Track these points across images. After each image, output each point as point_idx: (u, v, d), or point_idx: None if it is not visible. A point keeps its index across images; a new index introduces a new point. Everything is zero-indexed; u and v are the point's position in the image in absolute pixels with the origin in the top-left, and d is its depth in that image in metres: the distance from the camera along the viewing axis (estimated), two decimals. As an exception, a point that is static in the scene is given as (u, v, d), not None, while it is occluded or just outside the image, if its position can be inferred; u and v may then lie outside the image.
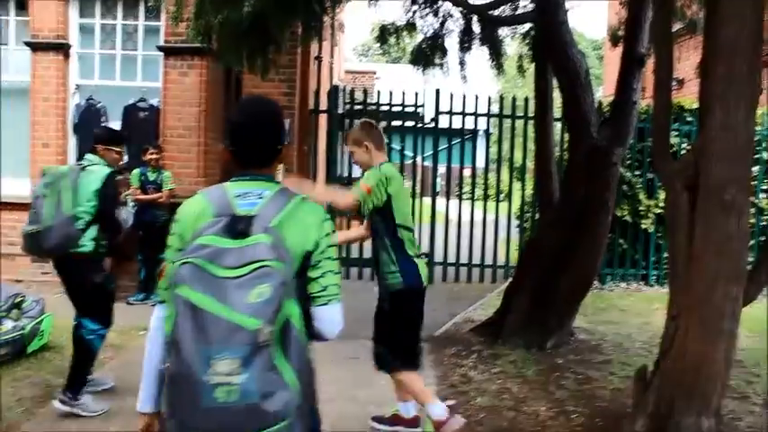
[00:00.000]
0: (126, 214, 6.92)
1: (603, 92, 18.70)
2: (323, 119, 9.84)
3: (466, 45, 7.82)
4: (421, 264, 4.01)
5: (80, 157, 7.52)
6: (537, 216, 8.51)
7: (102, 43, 8.22)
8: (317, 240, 1.89)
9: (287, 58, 7.91)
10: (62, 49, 8.04)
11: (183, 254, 1.74)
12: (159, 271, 1.96)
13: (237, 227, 1.75)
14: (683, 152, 8.36)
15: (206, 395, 1.62)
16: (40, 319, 5.48)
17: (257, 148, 1.97)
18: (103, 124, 8.01)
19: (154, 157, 7.46)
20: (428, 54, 7.95)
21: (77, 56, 8.23)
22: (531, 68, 7.22)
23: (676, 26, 6.77)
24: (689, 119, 8.81)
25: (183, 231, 1.89)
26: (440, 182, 14.54)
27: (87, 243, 4.31)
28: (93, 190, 4.30)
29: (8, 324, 5.25)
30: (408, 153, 10.40)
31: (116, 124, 8.02)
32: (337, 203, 3.89)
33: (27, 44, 8.07)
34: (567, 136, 7.62)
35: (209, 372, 1.62)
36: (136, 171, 7.50)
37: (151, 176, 7.48)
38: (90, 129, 7.96)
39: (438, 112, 9.41)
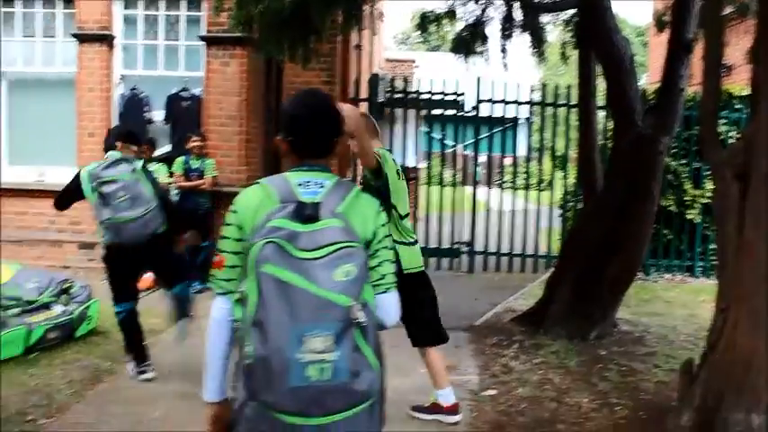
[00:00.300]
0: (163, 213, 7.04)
1: (648, 79, 18.32)
2: (363, 108, 9.82)
3: (507, 32, 7.71)
4: (411, 248, 4.12)
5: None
6: (579, 205, 8.39)
7: (145, 34, 8.33)
8: (374, 230, 1.90)
9: (327, 47, 7.91)
10: (107, 40, 8.17)
11: (259, 234, 1.73)
12: (214, 262, 1.94)
13: (305, 212, 1.75)
14: (731, 140, 8.15)
15: (296, 373, 1.62)
16: (87, 304, 5.60)
17: (317, 139, 1.97)
18: (147, 116, 8.15)
19: (197, 144, 7.54)
20: (469, 42, 7.87)
21: (121, 47, 8.36)
22: (573, 55, 7.10)
23: (726, 10, 6.58)
24: (738, 106, 8.57)
25: (241, 222, 1.87)
26: (480, 171, 14.44)
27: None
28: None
29: (57, 309, 5.38)
30: (449, 142, 10.35)
31: (159, 114, 8.15)
32: (367, 154, 3.81)
33: (73, 36, 8.22)
34: (610, 124, 7.48)
35: (302, 349, 1.62)
36: (180, 159, 7.60)
37: (194, 164, 7.58)
38: (134, 118, 8.12)
39: (479, 101, 9.33)
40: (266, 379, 1.65)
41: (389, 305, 1.92)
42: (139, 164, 4.79)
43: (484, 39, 7.85)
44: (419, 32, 8.81)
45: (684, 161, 8.93)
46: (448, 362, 5.17)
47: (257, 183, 1.94)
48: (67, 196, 4.79)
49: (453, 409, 4.15)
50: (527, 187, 9.78)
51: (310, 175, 1.91)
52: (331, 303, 1.65)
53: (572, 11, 7.16)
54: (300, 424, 1.66)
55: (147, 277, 7.41)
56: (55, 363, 4.92)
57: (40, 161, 8.44)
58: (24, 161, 8.55)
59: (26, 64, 8.59)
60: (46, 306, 5.36)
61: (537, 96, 10.19)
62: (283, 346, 1.62)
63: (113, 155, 4.67)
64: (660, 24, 7.37)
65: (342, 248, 1.70)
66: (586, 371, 5.09)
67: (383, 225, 1.94)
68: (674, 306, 7.45)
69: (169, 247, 4.87)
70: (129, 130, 5.15)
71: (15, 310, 5.09)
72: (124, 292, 4.79)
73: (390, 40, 44.50)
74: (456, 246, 9.43)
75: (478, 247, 9.35)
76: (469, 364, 5.25)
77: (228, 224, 1.91)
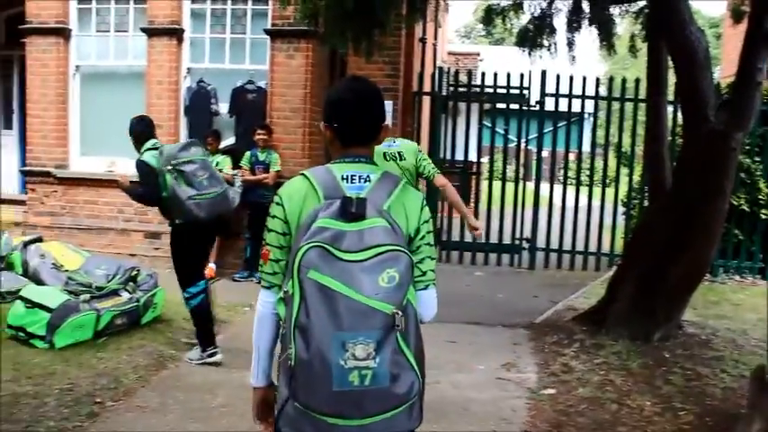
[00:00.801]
0: (233, 193, 7.17)
1: (721, 72, 17.65)
2: (426, 101, 9.79)
3: (575, 25, 7.55)
4: None
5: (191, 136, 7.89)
6: (645, 203, 8.16)
7: (212, 28, 8.48)
8: (418, 226, 1.89)
9: (391, 40, 7.90)
10: (175, 34, 8.35)
11: (305, 237, 1.73)
12: (261, 254, 1.95)
13: (351, 209, 1.74)
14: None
15: (338, 379, 1.63)
16: (153, 292, 5.76)
17: (364, 125, 1.95)
18: (213, 108, 8.30)
19: (262, 137, 7.64)
20: (534, 35, 7.74)
21: (189, 40, 8.53)
22: (643, 48, 6.90)
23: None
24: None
25: (287, 215, 1.87)
26: (543, 166, 14.20)
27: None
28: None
29: (125, 296, 5.55)
30: (511, 137, 10.21)
31: (224, 106, 8.28)
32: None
33: (143, 30, 8.44)
34: (679, 119, 7.24)
35: (344, 356, 1.63)
36: (247, 153, 7.72)
37: (261, 156, 7.68)
38: (200, 111, 8.29)
39: (544, 94, 9.17)
40: (308, 383, 1.67)
41: (429, 301, 1.93)
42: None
43: (550, 31, 7.70)
44: (483, 25, 8.69)
45: (758, 158, 8.58)
46: (506, 359, 5.14)
47: (302, 174, 1.93)
48: (155, 184, 4.82)
49: None
50: (590, 184, 9.56)
51: (355, 168, 1.89)
52: (374, 311, 1.65)
53: (643, 2, 6.96)
54: (341, 425, 1.68)
55: (210, 267, 7.59)
56: (122, 348, 5.07)
57: (110, 152, 8.70)
58: (95, 152, 8.83)
59: (99, 58, 8.86)
60: (114, 293, 5.54)
61: (603, 90, 9.96)
62: (326, 352, 1.63)
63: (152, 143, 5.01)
64: (737, 15, 7.08)
65: (387, 252, 1.69)
66: (649, 373, 4.95)
67: (427, 221, 1.93)
68: (743, 309, 7.18)
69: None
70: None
71: (85, 296, 5.27)
72: (199, 271, 5.00)
73: (454, 34, 44.16)
74: (517, 242, 9.31)
75: (540, 243, 9.21)
76: (528, 361, 5.18)
77: (273, 217, 1.91)
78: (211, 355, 4.89)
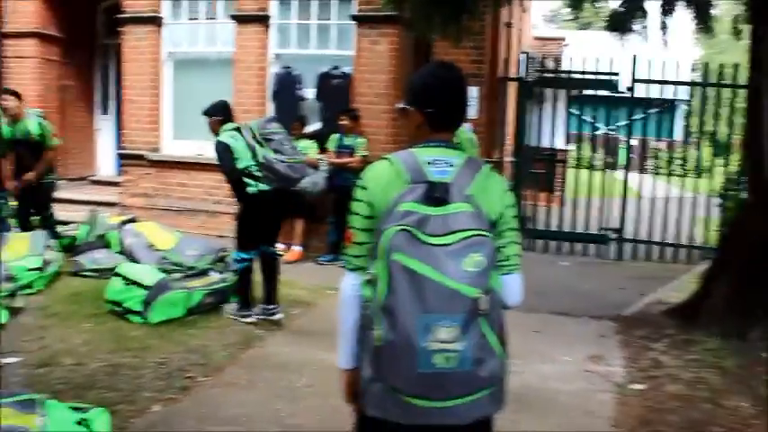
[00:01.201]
0: (319, 177, 7.28)
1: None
2: (511, 87, 9.62)
3: (669, 7, 7.24)
4: None
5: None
6: (743, 195, 7.78)
7: (299, 14, 8.59)
8: (502, 210, 1.90)
9: (477, 25, 7.77)
10: (263, 20, 8.51)
11: (390, 220, 1.75)
12: (345, 237, 1.97)
13: (435, 194, 1.76)
14: None
15: (424, 361, 1.66)
16: (241, 272, 5.90)
17: (452, 110, 1.97)
18: (298, 93, 8.41)
19: (346, 123, 7.69)
20: (625, 18, 7.47)
21: (276, 27, 8.67)
22: (744, 31, 6.55)
23: None
24: None
25: (371, 198, 1.88)
26: (632, 155, 13.77)
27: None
28: None
29: (215, 275, 5.73)
30: (599, 124, 9.93)
31: (310, 91, 8.39)
32: None
33: (232, 17, 8.63)
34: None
35: (429, 338, 1.66)
36: (334, 136, 7.79)
37: (346, 141, 7.73)
38: (286, 96, 8.42)
39: (634, 80, 8.86)
40: (394, 364, 1.70)
41: (513, 286, 1.93)
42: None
43: (642, 14, 7.42)
44: (571, 9, 8.44)
45: None
46: (593, 351, 5.02)
47: (386, 158, 1.94)
48: (231, 160, 5.23)
49: None
50: (683, 174, 9.20)
51: (439, 153, 1.90)
52: (459, 294, 1.67)
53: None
54: (425, 406, 1.72)
55: (296, 250, 7.74)
56: (211, 326, 5.24)
57: (200, 136, 8.95)
58: (187, 136, 9.13)
59: (190, 45, 9.13)
60: (205, 272, 5.73)
61: (698, 76, 9.53)
62: (411, 334, 1.66)
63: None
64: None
65: (472, 237, 1.71)
66: (745, 373, 4.73)
67: (510, 205, 1.93)
68: None
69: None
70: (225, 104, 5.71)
71: (178, 275, 5.47)
72: (253, 241, 5.35)
73: (539, 18, 43.22)
74: (604, 232, 9.07)
75: (628, 234, 8.94)
76: (616, 355, 5.04)
77: (358, 200, 1.93)
78: (244, 316, 5.37)
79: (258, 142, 5.20)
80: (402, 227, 1.71)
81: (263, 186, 5.21)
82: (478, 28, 7.92)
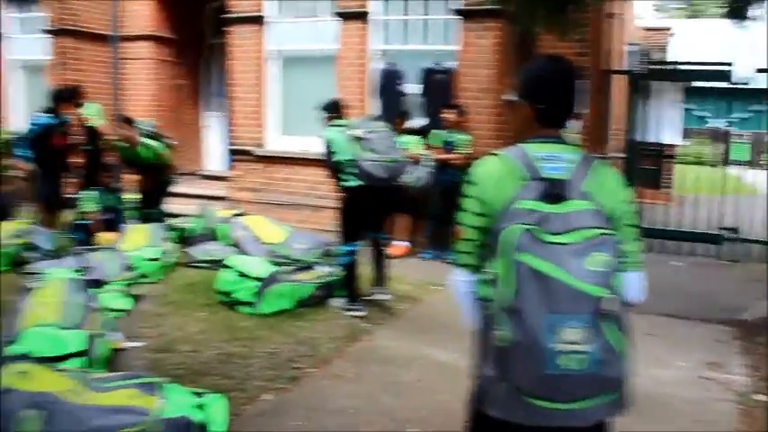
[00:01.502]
0: (422, 172, 7.28)
1: None
2: (617, 80, 9.29)
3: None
4: None
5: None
6: None
7: (402, 10, 8.60)
8: (619, 206, 1.85)
9: (582, 17, 7.56)
10: (366, 17, 8.57)
11: (508, 218, 1.73)
12: (454, 234, 1.95)
13: (553, 191, 1.73)
14: None
15: (550, 362, 1.64)
16: (347, 267, 5.98)
17: (563, 105, 1.94)
18: (401, 89, 8.44)
19: (449, 117, 7.59)
20: (743, 4, 7.07)
21: (379, 23, 8.71)
22: None
23: None
24: None
25: (482, 194, 1.86)
26: (748, 150, 13.06)
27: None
28: None
29: (322, 269, 5.83)
30: (711, 117, 9.45)
31: (413, 87, 8.39)
32: None
33: (336, 14, 8.74)
34: None
35: (555, 339, 1.64)
36: (437, 131, 7.74)
37: (450, 137, 7.66)
38: (389, 91, 8.46)
39: (759, 71, 8.34)
40: (519, 364, 1.68)
41: (634, 283, 1.89)
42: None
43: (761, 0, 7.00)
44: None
45: None
46: (710, 357, 4.79)
47: (495, 154, 1.92)
48: (330, 152, 5.49)
49: None
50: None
51: (551, 148, 1.86)
52: (584, 294, 1.63)
53: None
54: (549, 408, 1.69)
55: (401, 245, 7.78)
56: (318, 319, 5.34)
57: (304, 132, 9.16)
58: (291, 131, 9.34)
59: (294, 42, 9.33)
60: (312, 266, 5.85)
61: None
62: (538, 334, 1.64)
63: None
64: None
65: (595, 236, 1.68)
66: None
67: (627, 201, 1.89)
68: None
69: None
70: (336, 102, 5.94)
71: (288, 268, 5.61)
72: (355, 233, 5.53)
73: (643, 8, 41.60)
74: (721, 231, 8.61)
75: (744, 233, 8.46)
76: (736, 362, 4.78)
77: (468, 197, 1.91)
78: (351, 310, 5.47)
79: (355, 139, 5.35)
80: (523, 226, 1.69)
81: (355, 182, 5.37)
82: (583, 19, 7.70)
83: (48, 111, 7.42)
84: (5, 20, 11.84)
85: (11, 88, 12.01)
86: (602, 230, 1.70)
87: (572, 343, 1.63)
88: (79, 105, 7.55)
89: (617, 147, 9.19)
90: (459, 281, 1.95)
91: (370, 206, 5.54)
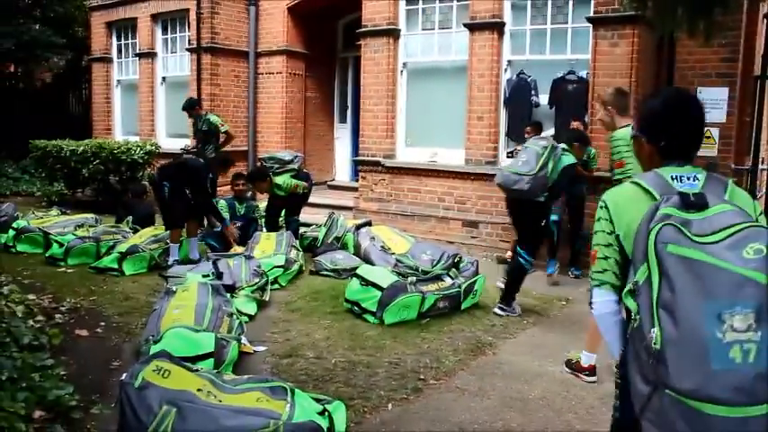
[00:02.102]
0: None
1: None
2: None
3: None
4: None
5: (509, 131, 8.01)
6: None
7: (532, 19, 8.45)
8: (757, 217, 1.81)
9: (730, 19, 7.09)
10: (496, 27, 8.48)
11: (652, 222, 1.68)
12: (591, 255, 2.00)
13: (691, 201, 1.68)
14: None
15: (718, 355, 1.50)
16: (473, 279, 5.92)
17: (686, 141, 1.92)
18: (533, 99, 8.26)
19: (577, 128, 7.32)
20: None
21: (510, 33, 8.59)
22: None
23: None
24: None
25: (611, 216, 1.90)
26: None
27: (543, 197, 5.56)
28: (560, 168, 5.50)
29: (447, 281, 5.79)
30: None
31: (544, 97, 8.20)
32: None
33: (465, 26, 8.71)
34: None
35: (722, 328, 1.51)
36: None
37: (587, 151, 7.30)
38: (520, 102, 8.32)
39: None
40: (681, 363, 1.54)
41: None
42: (555, 145, 5.59)
43: None
44: None
45: None
46: None
47: (629, 182, 1.94)
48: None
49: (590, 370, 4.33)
50: None
51: (681, 170, 1.86)
52: (748, 280, 1.51)
53: None
54: (718, 414, 1.50)
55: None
56: (443, 330, 5.30)
57: (432, 143, 9.18)
58: (419, 143, 9.39)
59: (424, 54, 9.38)
60: (438, 277, 5.81)
61: None
62: (699, 325, 1.51)
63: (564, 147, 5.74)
64: None
65: (744, 229, 1.59)
66: None
67: (762, 214, 1.84)
68: None
69: (535, 219, 5.65)
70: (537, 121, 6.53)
71: (412, 279, 5.61)
72: (539, 246, 5.84)
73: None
74: None
75: None
76: None
77: (599, 219, 1.95)
78: (504, 310, 5.70)
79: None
80: (667, 222, 1.64)
81: (543, 197, 5.62)
82: (731, 22, 7.22)
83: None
84: (157, 40, 12.77)
85: (157, 102, 12.93)
86: (752, 223, 1.62)
87: (741, 331, 1.50)
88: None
89: (768, 158, 8.53)
90: (602, 301, 1.94)
91: (513, 217, 5.86)
